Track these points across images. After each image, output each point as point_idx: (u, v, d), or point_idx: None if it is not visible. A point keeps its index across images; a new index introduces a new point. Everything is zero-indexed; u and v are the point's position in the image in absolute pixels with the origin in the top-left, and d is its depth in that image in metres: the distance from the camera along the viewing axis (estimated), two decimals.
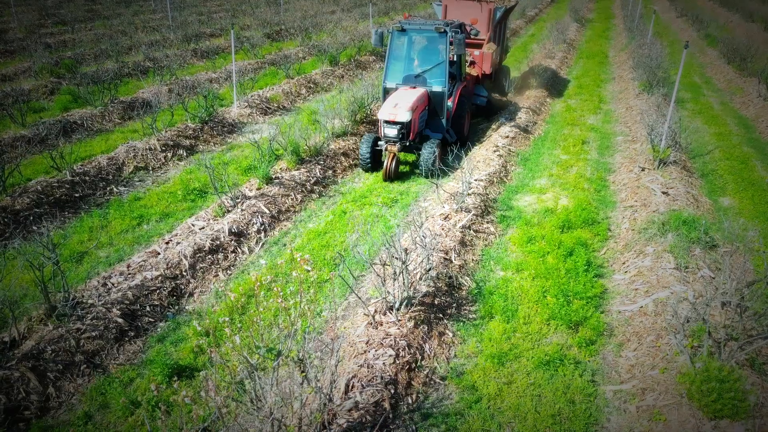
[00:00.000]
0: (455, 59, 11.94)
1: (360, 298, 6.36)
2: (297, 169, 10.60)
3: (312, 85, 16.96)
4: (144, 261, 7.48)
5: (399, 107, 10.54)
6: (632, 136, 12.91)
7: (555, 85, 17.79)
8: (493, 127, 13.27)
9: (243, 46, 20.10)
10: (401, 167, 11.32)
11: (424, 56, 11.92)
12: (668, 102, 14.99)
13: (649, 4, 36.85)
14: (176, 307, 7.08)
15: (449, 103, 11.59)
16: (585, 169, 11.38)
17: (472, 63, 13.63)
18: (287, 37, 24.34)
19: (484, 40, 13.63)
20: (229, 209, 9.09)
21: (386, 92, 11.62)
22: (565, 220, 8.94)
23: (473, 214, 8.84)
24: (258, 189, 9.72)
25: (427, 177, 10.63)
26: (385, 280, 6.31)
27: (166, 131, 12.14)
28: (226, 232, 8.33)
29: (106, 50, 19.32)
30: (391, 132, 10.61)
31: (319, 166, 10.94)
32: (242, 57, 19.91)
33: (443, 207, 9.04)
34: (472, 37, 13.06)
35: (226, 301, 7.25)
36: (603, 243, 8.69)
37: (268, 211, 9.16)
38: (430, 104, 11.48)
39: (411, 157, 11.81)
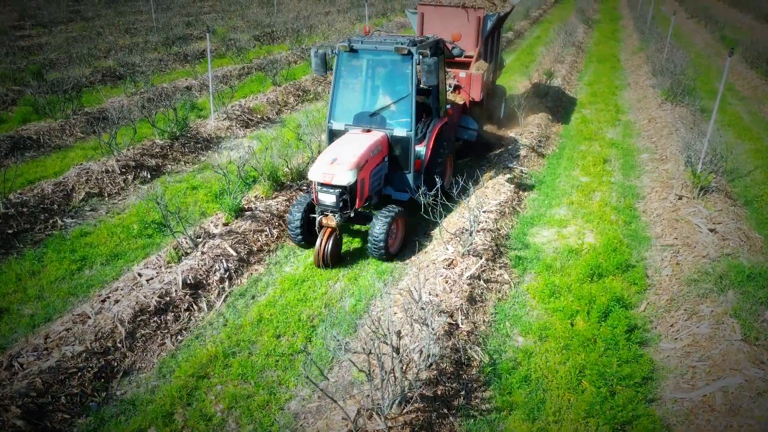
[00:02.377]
0: (431, 89, 8.82)
1: (335, 401, 4.70)
2: (274, 198, 8.95)
3: (301, 93, 15.32)
4: (67, 330, 5.83)
5: (338, 164, 7.31)
6: (660, 153, 11.25)
7: (566, 93, 16.12)
8: (503, 143, 11.60)
9: (229, 50, 18.44)
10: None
11: (384, 87, 8.89)
12: (694, 113, 13.37)
13: (657, 4, 35.16)
14: (104, 394, 5.43)
15: (420, 148, 8.33)
16: (609, 194, 9.72)
17: (457, 88, 10.60)
18: (278, 39, 22.69)
19: (471, 57, 10.63)
20: (188, 251, 7.44)
21: (332, 136, 8.43)
22: (593, 265, 7.29)
23: (484, 259, 7.18)
24: (225, 224, 8.07)
25: (381, 260, 7.67)
26: (371, 372, 4.66)
27: (128, 149, 10.48)
28: (180, 284, 6.68)
29: (80, 54, 17.65)
30: (328, 199, 7.41)
31: (302, 193, 9.28)
32: (228, 62, 18.26)
33: (446, 249, 7.38)
34: (454, 57, 10.20)
35: (170, 382, 5.61)
36: (641, 295, 7.04)
37: (235, 254, 7.51)
38: (391, 153, 8.25)
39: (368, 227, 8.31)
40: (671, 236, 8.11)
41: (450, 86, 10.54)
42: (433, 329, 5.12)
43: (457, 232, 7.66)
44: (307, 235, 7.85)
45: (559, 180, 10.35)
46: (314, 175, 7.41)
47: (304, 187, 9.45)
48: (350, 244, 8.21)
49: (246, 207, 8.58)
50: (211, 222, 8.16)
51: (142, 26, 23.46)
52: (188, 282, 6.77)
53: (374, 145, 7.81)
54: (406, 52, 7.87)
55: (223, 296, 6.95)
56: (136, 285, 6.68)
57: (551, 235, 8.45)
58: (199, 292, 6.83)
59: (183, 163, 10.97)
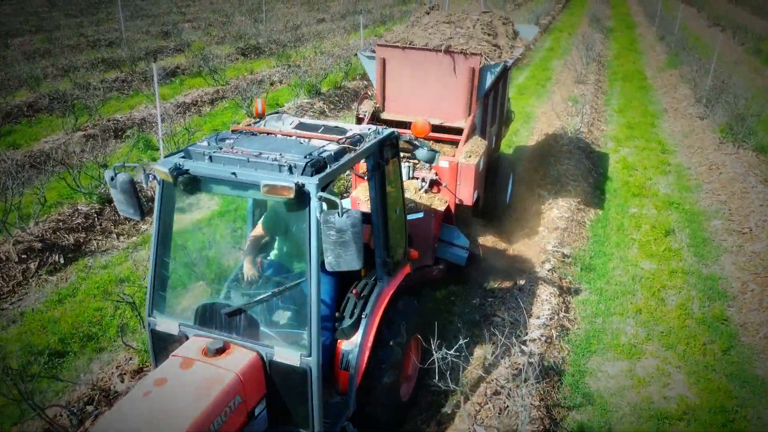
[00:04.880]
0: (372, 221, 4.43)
1: None
2: None
3: None
4: None
5: None
6: (738, 222, 8.46)
7: (597, 125, 13.33)
8: (516, 262, 8.74)
9: (202, 70, 15.59)
10: None
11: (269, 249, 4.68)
12: (763, 160, 10.58)
13: (672, 11, 32.26)
14: None
15: (348, 350, 4.07)
16: (687, 294, 6.93)
17: (435, 184, 6.49)
18: (265, 52, 19.83)
19: (458, 134, 6.65)
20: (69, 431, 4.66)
21: (159, 345, 3.99)
22: None
23: None
24: (138, 370, 5.29)
25: None
26: None
27: (37, 223, 7.69)
28: None
29: (28, 74, 14.81)
30: None
31: None
32: (201, 83, 15.43)
33: None
34: (419, 160, 5.20)
35: None
36: None
37: None
38: (273, 394, 3.73)
39: None
40: None
41: (424, 183, 6.42)
42: None
43: (490, 399, 4.87)
44: None
45: (612, 266, 7.56)
46: None
47: None
48: None
49: None
50: (116, 367, 5.35)
51: (114, 38, 20.61)
52: None
53: (219, 403, 3.28)
54: (290, 192, 3.27)
55: None
56: None
57: (621, 374, 5.66)
58: None
59: (115, 236, 8.16)
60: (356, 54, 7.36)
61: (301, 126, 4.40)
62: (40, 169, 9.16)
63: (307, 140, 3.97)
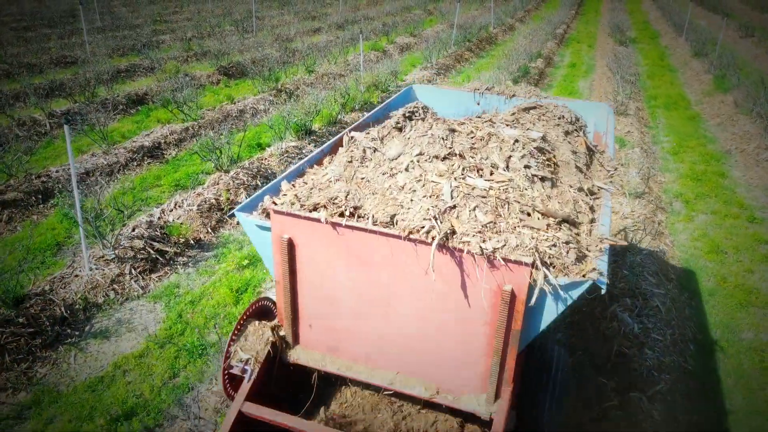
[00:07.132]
0: None
1: None
2: None
3: (260, 181, 9.64)
4: None
5: None
6: None
7: (652, 175, 10.49)
8: (614, 328, 5.97)
9: (170, 102, 12.72)
10: None
11: None
12: None
13: (694, 18, 29.28)
14: None
15: None
16: None
17: None
18: (251, 72, 16.94)
19: (465, 418, 3.47)
20: None
21: None
22: None
23: None
24: None
25: None
26: None
27: None
28: None
29: None
30: None
31: None
32: (167, 115, 12.55)
33: None
34: None
35: None
36: None
37: None
38: None
39: None
40: None
41: None
42: None
43: None
44: None
45: None
46: None
47: None
48: None
49: None
50: None
51: (81, 55, 17.73)
52: None
53: None
54: None
55: None
56: None
57: None
58: None
59: None
60: (232, 213, 3.11)
61: None
62: None
63: None
